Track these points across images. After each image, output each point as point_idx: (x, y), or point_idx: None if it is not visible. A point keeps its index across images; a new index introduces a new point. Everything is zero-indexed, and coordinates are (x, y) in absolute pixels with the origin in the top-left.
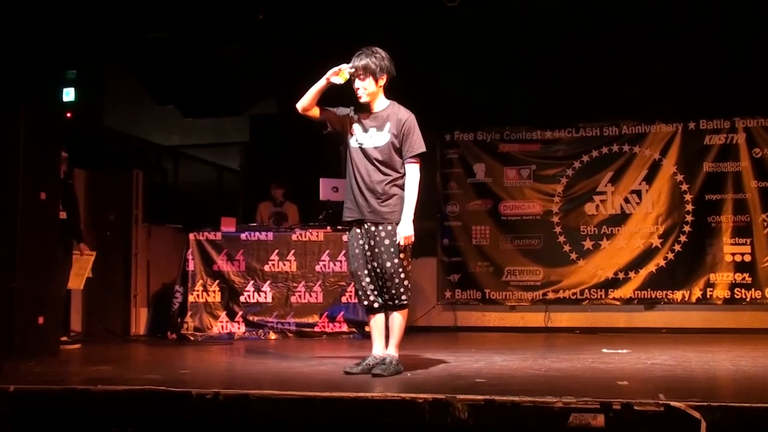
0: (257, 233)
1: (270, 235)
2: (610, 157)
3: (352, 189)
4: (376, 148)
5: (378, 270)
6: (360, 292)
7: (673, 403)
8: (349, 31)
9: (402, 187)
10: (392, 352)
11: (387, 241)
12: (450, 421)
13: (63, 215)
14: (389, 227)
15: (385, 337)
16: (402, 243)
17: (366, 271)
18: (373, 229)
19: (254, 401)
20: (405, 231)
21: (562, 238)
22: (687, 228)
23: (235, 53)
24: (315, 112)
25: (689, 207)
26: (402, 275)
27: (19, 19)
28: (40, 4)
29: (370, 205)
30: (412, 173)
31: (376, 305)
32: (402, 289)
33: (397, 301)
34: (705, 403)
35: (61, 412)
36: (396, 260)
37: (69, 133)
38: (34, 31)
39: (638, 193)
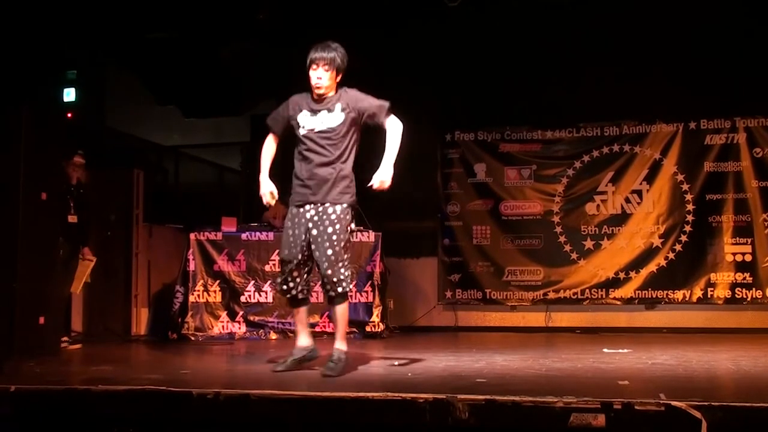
0: (258, 233)
1: (271, 235)
2: (610, 156)
3: (298, 174)
4: (327, 130)
5: (317, 256)
6: (284, 280)
7: (674, 403)
8: (349, 29)
9: (346, 171)
10: (341, 346)
11: (330, 229)
12: (451, 421)
13: (74, 219)
14: (338, 208)
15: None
16: (375, 186)
17: (300, 258)
18: (316, 214)
19: (255, 401)
20: (384, 175)
21: (562, 238)
22: (688, 228)
23: (235, 53)
24: (275, 144)
25: (690, 207)
26: (340, 263)
27: (21, 20)
28: (42, 4)
29: (319, 188)
30: (396, 122)
31: (300, 296)
32: (342, 277)
33: (339, 290)
34: (706, 403)
35: (62, 413)
36: (338, 247)
37: (70, 133)
38: (36, 32)
39: (639, 192)
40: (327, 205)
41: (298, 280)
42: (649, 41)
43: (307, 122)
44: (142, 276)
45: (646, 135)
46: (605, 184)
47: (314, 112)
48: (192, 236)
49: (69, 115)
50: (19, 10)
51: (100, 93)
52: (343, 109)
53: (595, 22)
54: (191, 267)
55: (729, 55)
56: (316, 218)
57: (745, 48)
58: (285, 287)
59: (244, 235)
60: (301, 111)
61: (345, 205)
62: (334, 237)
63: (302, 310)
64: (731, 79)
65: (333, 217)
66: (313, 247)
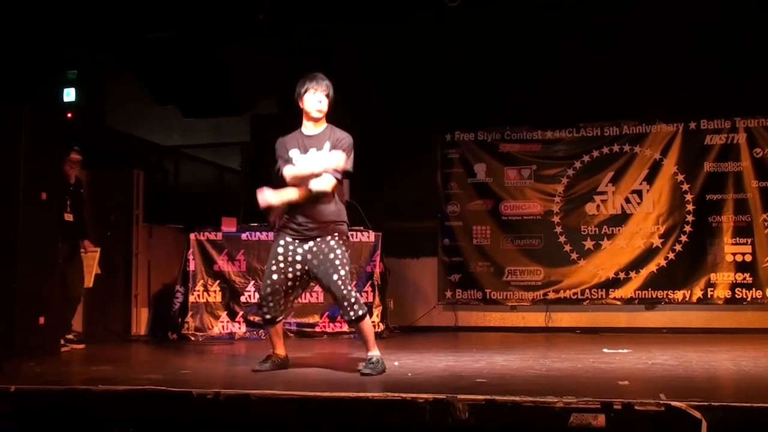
0: (258, 233)
1: (271, 235)
2: (610, 157)
3: (293, 212)
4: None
5: (324, 284)
6: (262, 304)
7: (673, 403)
8: (350, 29)
9: (340, 202)
10: (377, 352)
11: (331, 255)
12: (451, 421)
13: (69, 217)
14: (336, 235)
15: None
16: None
17: (283, 288)
18: (315, 246)
19: (255, 401)
20: (270, 196)
21: (562, 238)
22: (688, 228)
23: (235, 53)
24: None
25: (690, 207)
26: (349, 286)
27: (21, 20)
28: (42, 5)
29: (317, 226)
30: (328, 178)
31: (276, 318)
32: (353, 300)
33: (353, 314)
34: (706, 403)
35: (62, 413)
36: (343, 271)
37: (70, 133)
38: (36, 32)
39: (639, 193)
40: (327, 237)
41: (272, 305)
42: (650, 41)
43: (300, 162)
44: (142, 276)
45: (646, 135)
46: (605, 184)
47: (304, 149)
48: (192, 236)
49: (69, 115)
50: (19, 10)
51: (100, 93)
52: (330, 149)
53: (595, 22)
54: (191, 267)
55: (729, 55)
56: (315, 249)
57: (745, 48)
58: (264, 310)
59: (244, 235)
60: (290, 150)
61: (342, 231)
62: (337, 262)
63: (278, 326)
64: (731, 79)
65: (332, 243)
66: (318, 276)
